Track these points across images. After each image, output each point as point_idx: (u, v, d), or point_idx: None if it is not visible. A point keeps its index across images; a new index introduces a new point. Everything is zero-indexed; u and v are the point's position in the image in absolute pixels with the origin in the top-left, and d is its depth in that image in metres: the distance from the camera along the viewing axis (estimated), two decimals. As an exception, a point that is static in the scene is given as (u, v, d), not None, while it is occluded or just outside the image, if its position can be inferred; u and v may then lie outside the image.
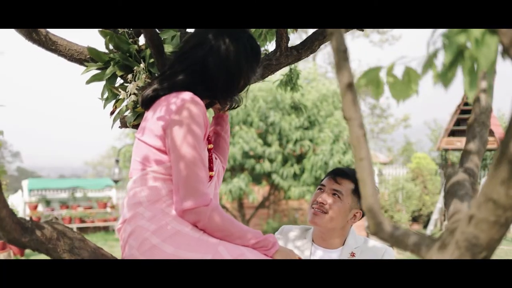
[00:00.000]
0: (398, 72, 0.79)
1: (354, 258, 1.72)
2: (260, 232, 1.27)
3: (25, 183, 12.09)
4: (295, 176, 9.29)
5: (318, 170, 8.97)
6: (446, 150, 10.62)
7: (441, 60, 0.70)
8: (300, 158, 9.50)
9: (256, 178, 9.40)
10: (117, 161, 10.86)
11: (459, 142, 10.09)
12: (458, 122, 10.19)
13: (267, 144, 9.18)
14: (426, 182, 11.06)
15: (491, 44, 0.66)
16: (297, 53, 1.66)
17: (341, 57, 0.80)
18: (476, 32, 0.65)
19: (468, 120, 1.06)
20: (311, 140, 9.18)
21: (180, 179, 1.21)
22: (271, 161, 9.13)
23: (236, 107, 1.49)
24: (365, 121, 12.07)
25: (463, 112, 10.03)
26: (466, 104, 9.98)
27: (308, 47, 1.66)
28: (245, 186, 8.82)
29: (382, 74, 0.79)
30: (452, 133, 10.32)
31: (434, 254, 0.76)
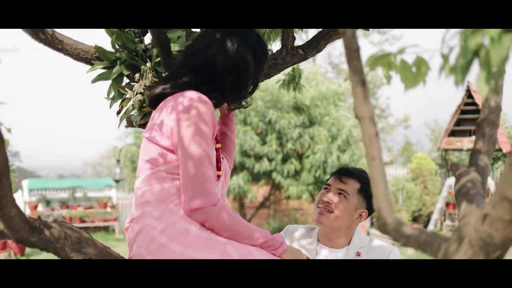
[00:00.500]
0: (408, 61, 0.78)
1: (359, 257, 1.72)
2: (268, 232, 1.27)
3: (25, 183, 12.07)
4: (295, 174, 9.31)
5: (317, 170, 8.99)
6: (446, 150, 10.62)
7: (454, 55, 0.70)
8: (300, 157, 9.51)
9: (256, 178, 9.42)
10: (118, 161, 10.85)
11: (459, 142, 10.09)
12: (458, 122, 10.19)
13: (266, 143, 9.19)
14: (426, 182, 11.06)
15: (505, 41, 0.66)
16: (303, 53, 1.66)
17: (353, 56, 0.80)
18: (493, 31, 0.65)
19: (477, 120, 1.06)
20: (311, 138, 9.19)
21: (188, 178, 1.21)
22: (270, 160, 9.14)
23: (246, 107, 1.49)
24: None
25: (463, 112, 10.03)
26: (466, 104, 9.98)
27: (314, 47, 1.66)
28: (244, 184, 8.83)
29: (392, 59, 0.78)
30: (452, 133, 10.32)
31: (447, 253, 0.76)
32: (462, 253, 0.74)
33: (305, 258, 1.33)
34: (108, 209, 11.95)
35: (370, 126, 0.80)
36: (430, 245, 0.80)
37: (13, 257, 6.25)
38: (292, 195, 9.16)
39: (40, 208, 11.63)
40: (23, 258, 8.20)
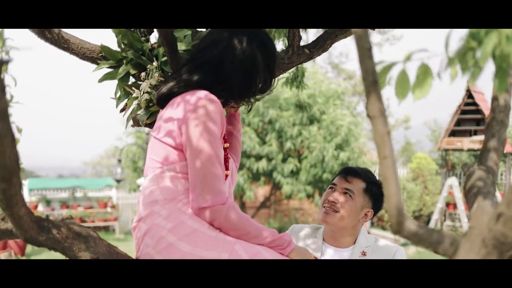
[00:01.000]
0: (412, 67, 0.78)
1: (365, 257, 1.72)
2: (275, 231, 1.27)
3: (25, 183, 12.06)
4: (293, 173, 9.32)
5: (315, 168, 9.00)
6: (447, 150, 10.63)
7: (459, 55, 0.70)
8: (299, 156, 9.53)
9: (256, 177, 9.43)
10: (119, 160, 10.85)
11: (460, 142, 10.10)
12: (459, 122, 10.19)
13: (265, 142, 9.20)
14: (427, 182, 11.07)
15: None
16: (309, 52, 1.66)
17: (366, 55, 0.80)
18: (507, 31, 0.65)
19: (487, 119, 1.06)
20: (311, 136, 9.20)
21: (197, 177, 1.21)
22: (270, 159, 9.15)
23: (256, 101, 1.48)
24: (364, 121, 12.10)
25: (463, 112, 10.04)
26: (466, 104, 9.99)
27: (320, 46, 1.66)
28: (243, 183, 8.85)
29: (396, 71, 0.78)
30: (453, 133, 10.33)
31: (459, 252, 0.76)
32: (475, 253, 0.74)
33: (313, 258, 1.33)
34: (108, 209, 11.94)
35: (382, 125, 0.80)
36: (441, 245, 0.79)
37: (13, 257, 6.24)
38: (287, 193, 9.18)
39: (40, 208, 11.62)
40: (23, 258, 8.19)
